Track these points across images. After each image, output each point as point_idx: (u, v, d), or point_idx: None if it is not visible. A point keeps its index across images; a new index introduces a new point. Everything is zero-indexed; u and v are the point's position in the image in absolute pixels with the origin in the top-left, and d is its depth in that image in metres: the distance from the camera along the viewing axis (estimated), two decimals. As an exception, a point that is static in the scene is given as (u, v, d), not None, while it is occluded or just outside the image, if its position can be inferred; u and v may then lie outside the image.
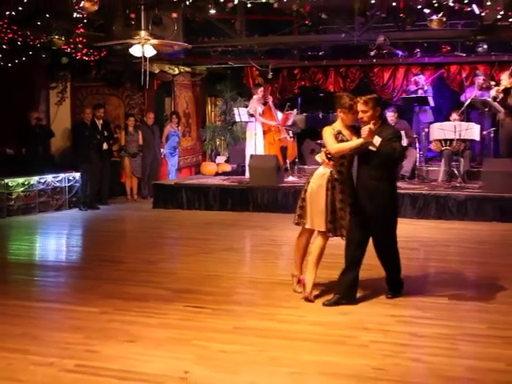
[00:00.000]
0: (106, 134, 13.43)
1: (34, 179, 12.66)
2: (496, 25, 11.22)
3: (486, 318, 5.82)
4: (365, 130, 6.20)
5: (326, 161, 6.49)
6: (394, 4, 11.82)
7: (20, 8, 10.62)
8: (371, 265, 7.03)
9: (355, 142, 6.36)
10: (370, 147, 6.26)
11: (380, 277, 7.17)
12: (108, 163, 13.67)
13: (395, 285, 6.70)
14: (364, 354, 4.97)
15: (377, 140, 6.19)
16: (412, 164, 13.13)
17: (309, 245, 6.75)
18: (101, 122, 13.40)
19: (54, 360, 4.89)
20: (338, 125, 6.55)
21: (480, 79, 13.63)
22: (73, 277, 7.87)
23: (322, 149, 6.69)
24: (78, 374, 4.64)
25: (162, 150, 15.06)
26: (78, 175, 13.28)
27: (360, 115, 6.47)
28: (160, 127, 15.18)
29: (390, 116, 13.20)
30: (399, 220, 11.02)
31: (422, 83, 14.84)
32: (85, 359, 4.93)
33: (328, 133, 6.48)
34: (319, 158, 6.66)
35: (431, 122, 13.70)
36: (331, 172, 6.44)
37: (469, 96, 13.08)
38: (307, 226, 6.56)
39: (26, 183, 12.49)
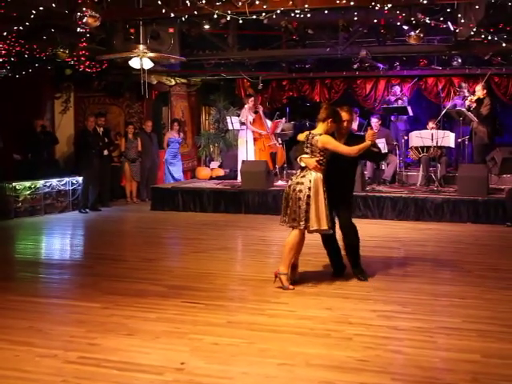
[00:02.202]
0: (106, 140, 13.41)
1: (40, 183, 12.62)
2: (469, 40, 11.27)
3: (461, 313, 5.83)
4: (373, 135, 6.77)
5: (319, 166, 6.59)
6: (375, 21, 11.86)
7: (27, 23, 10.58)
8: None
9: (366, 144, 6.70)
10: (374, 148, 6.85)
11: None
12: (108, 168, 13.64)
13: (359, 266, 7.10)
14: (348, 347, 4.97)
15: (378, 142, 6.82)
16: (393, 169, 13.16)
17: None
18: (101, 129, 13.37)
19: (58, 352, 4.87)
20: (324, 132, 6.65)
21: (464, 91, 13.70)
22: (76, 274, 7.84)
23: (313, 156, 6.68)
24: (80, 366, 4.62)
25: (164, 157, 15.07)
26: (81, 179, 13.24)
27: (346, 124, 6.84)
28: (158, 135, 15.17)
29: (375, 122, 13.34)
30: (380, 221, 11.16)
31: (398, 93, 14.94)
32: (87, 351, 4.90)
33: (333, 139, 6.69)
34: (304, 162, 6.68)
35: (408, 130, 13.77)
36: (322, 175, 6.63)
37: (460, 104, 13.19)
38: (314, 228, 6.61)
39: (32, 186, 12.45)
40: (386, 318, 5.70)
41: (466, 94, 13.46)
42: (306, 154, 6.70)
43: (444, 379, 4.35)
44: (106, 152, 13.37)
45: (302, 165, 6.71)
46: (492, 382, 4.29)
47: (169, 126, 15.99)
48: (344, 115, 6.81)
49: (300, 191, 6.59)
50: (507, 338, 5.15)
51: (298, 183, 6.67)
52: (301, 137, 6.88)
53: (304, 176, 6.65)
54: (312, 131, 6.78)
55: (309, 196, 6.55)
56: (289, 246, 6.74)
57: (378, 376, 4.39)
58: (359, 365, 4.59)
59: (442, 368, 4.59)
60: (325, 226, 6.60)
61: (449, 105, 13.58)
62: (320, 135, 6.64)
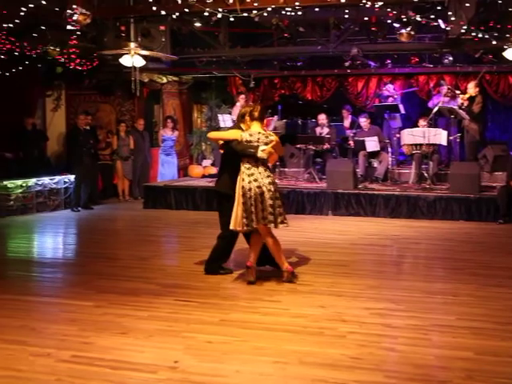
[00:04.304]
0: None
1: (32, 181, 12.56)
2: (460, 38, 11.29)
3: (455, 310, 5.85)
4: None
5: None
6: (366, 18, 11.87)
7: (17, 21, 10.54)
8: (347, 265, 7.05)
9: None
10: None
11: (357, 274, 7.23)
12: (96, 166, 13.61)
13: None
14: (341, 344, 4.97)
15: None
16: (385, 167, 13.14)
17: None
18: (87, 127, 13.28)
19: (51, 351, 4.85)
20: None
21: (444, 88, 13.70)
22: (69, 273, 7.81)
23: (266, 146, 6.73)
24: (73, 364, 4.60)
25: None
26: (73, 177, 13.18)
27: None
28: (149, 133, 15.15)
29: (363, 122, 13.36)
30: (372, 219, 11.15)
31: (391, 91, 14.91)
32: (80, 350, 4.89)
33: None
34: (268, 152, 6.71)
35: (400, 128, 13.75)
36: None
37: (436, 102, 13.15)
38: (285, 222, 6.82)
39: (24, 185, 12.38)
40: (379, 316, 5.71)
41: (445, 91, 13.51)
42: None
43: (438, 376, 4.36)
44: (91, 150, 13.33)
45: (265, 156, 6.71)
46: (486, 379, 4.29)
47: (161, 123, 15.96)
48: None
49: (276, 190, 6.77)
50: (500, 335, 5.16)
51: (270, 183, 6.73)
52: (236, 134, 6.91)
53: (269, 176, 6.79)
54: (259, 131, 6.82)
55: (280, 193, 6.91)
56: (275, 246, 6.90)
57: (372, 374, 4.39)
58: (352, 362, 4.59)
59: (436, 365, 4.59)
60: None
61: (429, 103, 13.65)
62: (271, 135, 6.85)
